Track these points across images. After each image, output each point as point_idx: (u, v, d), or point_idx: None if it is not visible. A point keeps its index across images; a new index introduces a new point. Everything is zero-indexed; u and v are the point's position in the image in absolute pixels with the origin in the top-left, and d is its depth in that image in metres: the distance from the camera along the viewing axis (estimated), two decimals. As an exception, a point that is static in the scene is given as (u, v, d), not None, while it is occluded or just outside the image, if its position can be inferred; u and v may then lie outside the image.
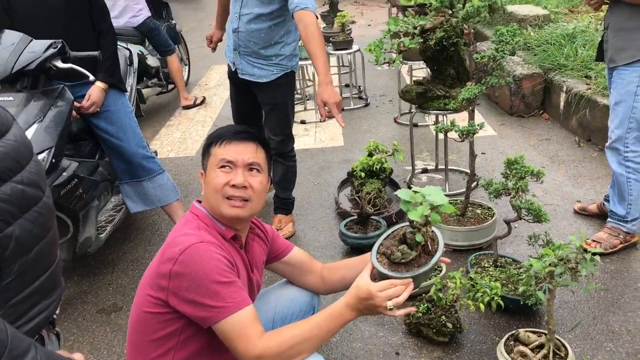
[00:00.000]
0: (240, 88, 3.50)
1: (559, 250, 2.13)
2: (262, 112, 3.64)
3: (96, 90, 3.10)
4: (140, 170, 3.33)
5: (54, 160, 2.67)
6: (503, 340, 2.40)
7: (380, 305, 1.67)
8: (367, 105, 6.06)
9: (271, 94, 3.36)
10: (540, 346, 2.33)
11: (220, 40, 3.86)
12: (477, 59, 2.92)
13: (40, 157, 2.60)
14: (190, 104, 6.21)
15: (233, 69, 3.42)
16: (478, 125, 2.99)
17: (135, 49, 4.75)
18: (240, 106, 3.61)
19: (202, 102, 6.33)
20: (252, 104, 3.55)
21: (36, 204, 1.12)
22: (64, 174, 2.77)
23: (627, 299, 2.78)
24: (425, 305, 2.62)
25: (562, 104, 5.00)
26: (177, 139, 5.48)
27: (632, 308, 2.71)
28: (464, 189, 3.37)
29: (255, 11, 3.15)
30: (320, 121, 5.64)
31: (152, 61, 5.79)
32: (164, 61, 6.01)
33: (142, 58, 5.41)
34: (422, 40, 3.61)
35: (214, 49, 3.96)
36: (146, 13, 5.65)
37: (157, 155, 3.64)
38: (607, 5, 3.09)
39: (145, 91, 5.55)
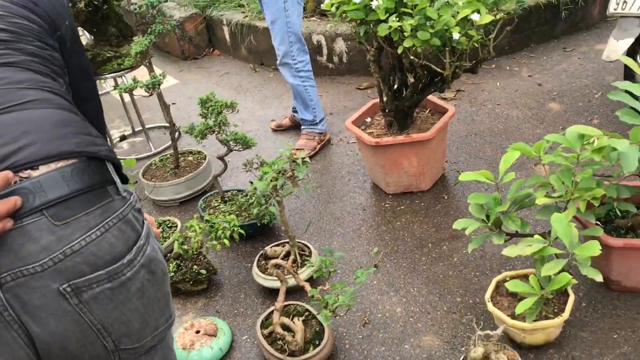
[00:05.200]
0: None
1: (275, 165, 2.30)
2: None
3: None
4: None
5: None
6: (255, 263, 2.54)
7: None
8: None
9: None
10: (288, 254, 2.54)
11: None
12: (136, 10, 2.84)
13: None
14: None
15: None
16: (160, 74, 2.96)
17: None
18: None
19: None
20: None
21: None
22: None
23: (338, 187, 3.16)
24: (174, 263, 2.60)
25: (227, 37, 5.22)
26: None
27: (345, 193, 3.10)
28: (170, 142, 3.35)
29: None
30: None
31: None
32: None
33: None
34: (70, 4, 3.35)
35: None
36: None
37: None
38: None
39: None
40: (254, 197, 2.38)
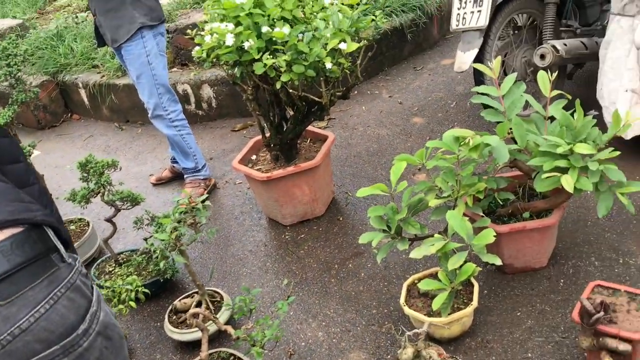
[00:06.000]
0: None
1: (174, 215, 2.26)
2: None
3: None
4: None
5: None
6: (165, 320, 2.46)
7: None
8: None
9: None
10: (199, 304, 2.49)
11: None
12: (-8, 80, 2.69)
13: None
14: None
15: None
16: (30, 145, 2.80)
17: None
18: None
19: None
20: None
21: None
22: None
23: (235, 229, 3.16)
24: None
25: (85, 99, 5.04)
26: None
27: (243, 233, 3.10)
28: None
29: None
30: None
31: None
32: None
33: None
34: None
35: None
36: None
37: None
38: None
39: None
40: (157, 252, 2.32)
